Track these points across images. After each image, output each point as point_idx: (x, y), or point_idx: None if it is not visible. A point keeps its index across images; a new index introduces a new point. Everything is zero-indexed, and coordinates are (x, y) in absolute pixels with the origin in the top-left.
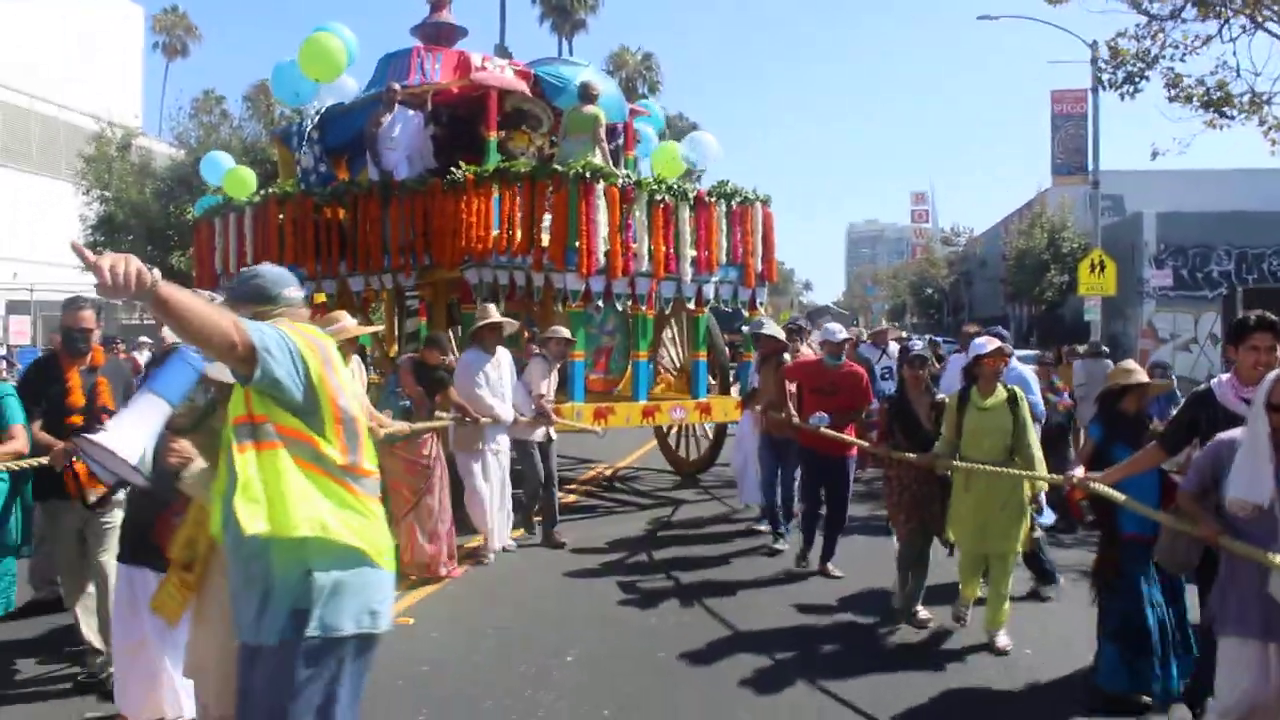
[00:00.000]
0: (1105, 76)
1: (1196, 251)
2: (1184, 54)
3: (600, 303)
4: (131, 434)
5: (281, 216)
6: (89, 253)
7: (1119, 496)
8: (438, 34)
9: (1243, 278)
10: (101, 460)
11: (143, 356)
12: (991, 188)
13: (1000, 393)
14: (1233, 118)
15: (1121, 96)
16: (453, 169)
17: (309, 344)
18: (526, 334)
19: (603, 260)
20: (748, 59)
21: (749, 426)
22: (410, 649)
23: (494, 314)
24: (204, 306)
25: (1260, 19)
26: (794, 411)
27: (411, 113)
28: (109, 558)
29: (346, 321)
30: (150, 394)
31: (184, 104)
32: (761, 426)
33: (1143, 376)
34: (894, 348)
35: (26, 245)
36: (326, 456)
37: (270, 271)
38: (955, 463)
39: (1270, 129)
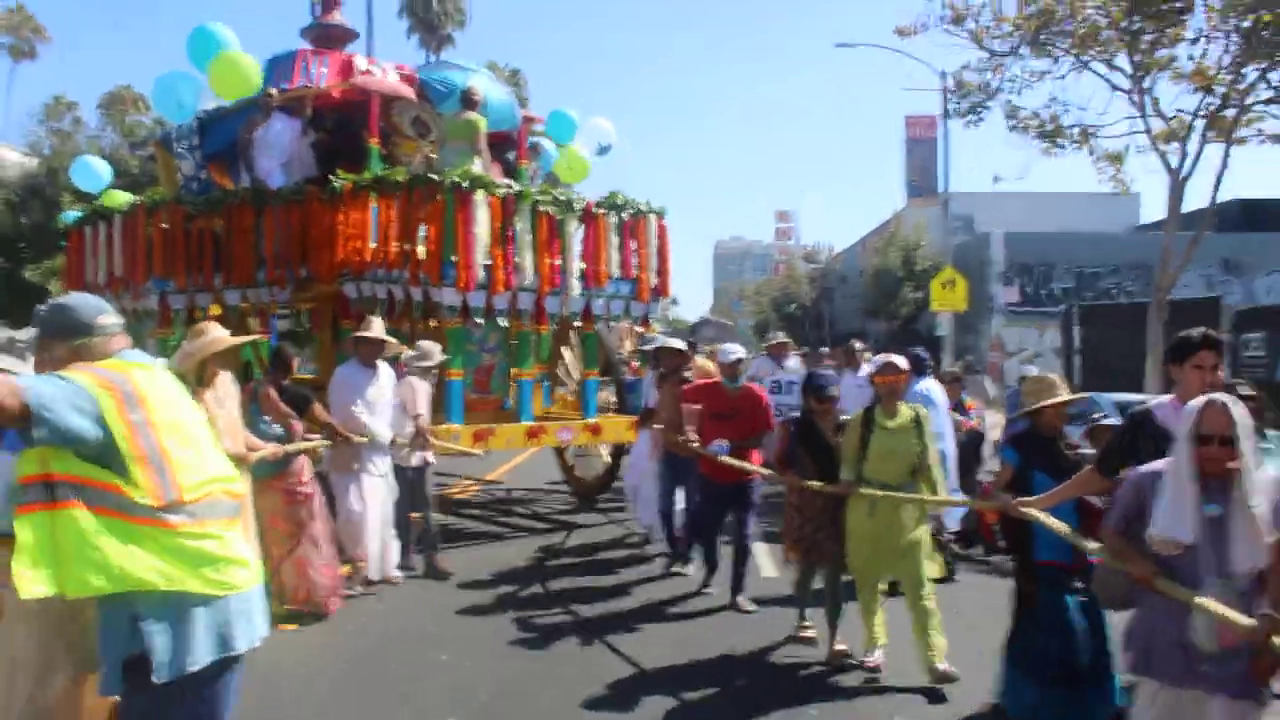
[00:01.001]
0: (951, 105)
1: (1041, 269)
2: (1020, 88)
3: (480, 319)
4: None
5: (150, 228)
6: None
7: (1061, 526)
8: (327, 36)
9: (1080, 294)
10: None
11: None
12: (853, 207)
13: (905, 413)
14: (1064, 147)
15: (966, 125)
16: (330, 177)
17: (103, 382)
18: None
19: (482, 274)
20: (616, 74)
21: (645, 446)
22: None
23: (377, 327)
24: None
25: (1086, 58)
26: (693, 435)
27: (289, 118)
28: None
29: (216, 332)
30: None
31: (34, 109)
32: (660, 447)
33: (1065, 392)
34: (794, 362)
35: None
36: (134, 501)
37: (80, 301)
38: (874, 491)
39: (1098, 159)
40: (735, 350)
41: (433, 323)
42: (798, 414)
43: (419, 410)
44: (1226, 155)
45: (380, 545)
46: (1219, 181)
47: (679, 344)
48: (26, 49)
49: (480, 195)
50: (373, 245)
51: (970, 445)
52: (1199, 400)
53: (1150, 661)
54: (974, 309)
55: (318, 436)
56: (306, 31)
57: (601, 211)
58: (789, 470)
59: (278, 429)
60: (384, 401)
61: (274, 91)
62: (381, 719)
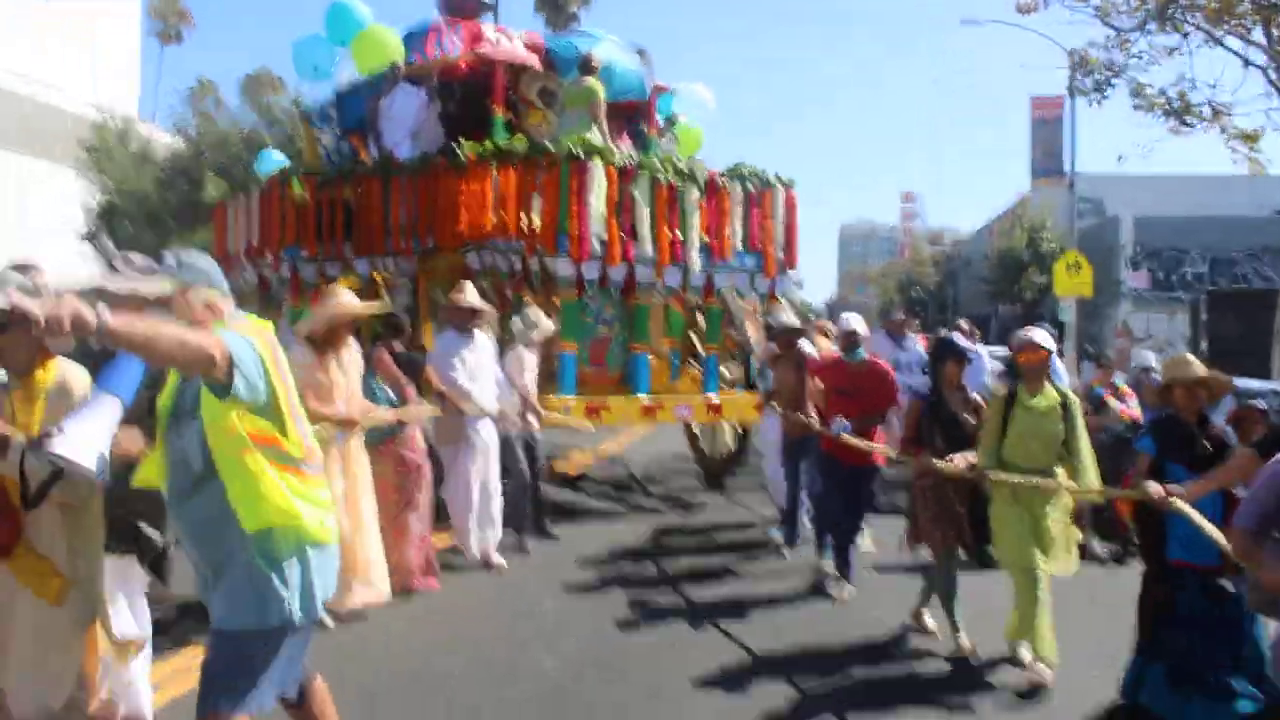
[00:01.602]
0: (1076, 84)
1: (1171, 254)
2: (1147, 64)
3: (595, 291)
4: (91, 439)
5: (284, 198)
6: (30, 306)
7: (1210, 529)
8: (461, 7)
9: (1214, 280)
10: (64, 467)
11: None
12: (981, 188)
13: (1051, 393)
14: (1193, 126)
15: (1089, 103)
16: (455, 147)
17: (263, 341)
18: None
19: (598, 246)
20: (742, 54)
21: (773, 427)
22: (374, 671)
23: (471, 294)
24: (169, 331)
25: (1219, 34)
26: (813, 414)
27: (415, 89)
28: None
29: (345, 298)
30: (105, 393)
31: (180, 91)
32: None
33: (1201, 370)
34: (912, 340)
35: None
36: (289, 453)
37: (206, 259)
38: (1008, 476)
39: (1230, 137)
40: (852, 319)
41: (554, 296)
42: (927, 390)
43: (522, 380)
44: None
45: (480, 521)
46: None
47: (791, 319)
48: (174, 33)
49: (596, 164)
50: (492, 215)
51: (1122, 438)
52: None
53: None
54: (1101, 294)
55: (428, 403)
56: (441, 2)
57: (725, 182)
58: (919, 449)
59: (391, 394)
60: (486, 370)
61: (400, 63)
62: (486, 678)
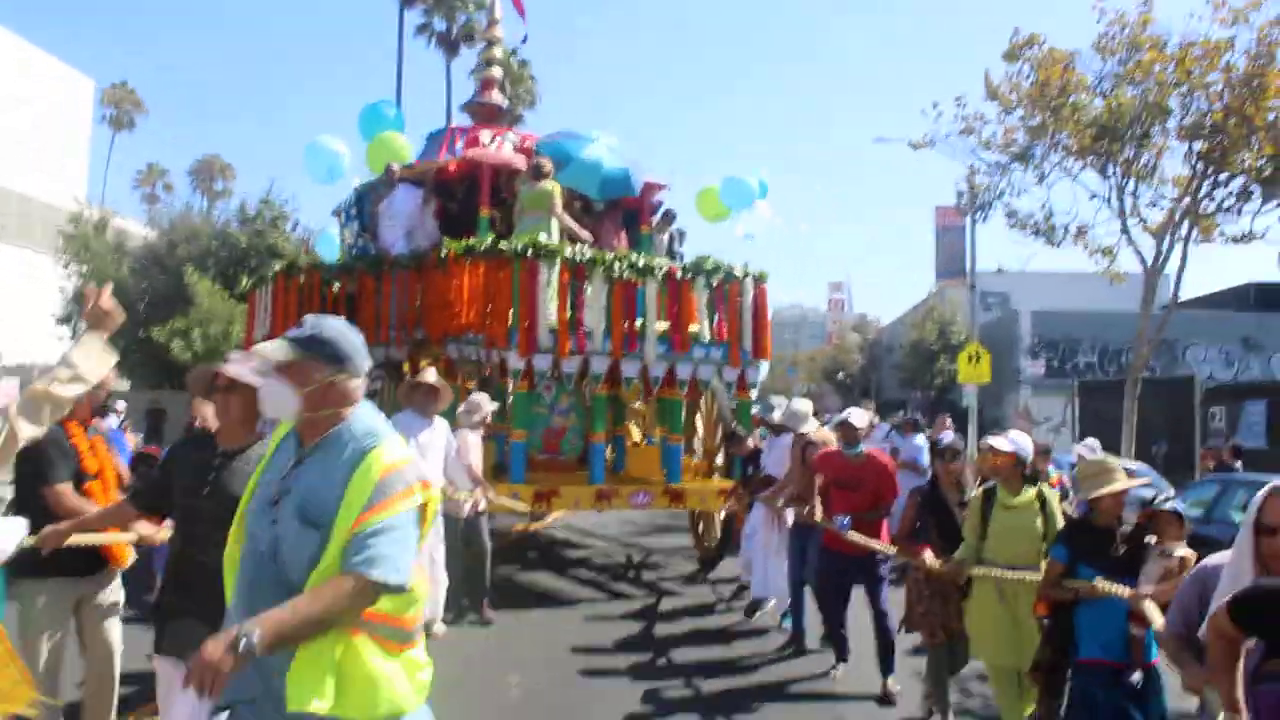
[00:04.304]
0: (960, 205)
1: (1066, 345)
2: (1018, 192)
3: (547, 382)
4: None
5: (289, 291)
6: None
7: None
8: (483, 112)
9: (1105, 369)
10: None
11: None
12: (901, 280)
13: (1028, 491)
14: (1058, 244)
15: (974, 222)
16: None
17: (417, 501)
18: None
19: (548, 339)
20: (679, 146)
21: (761, 518)
22: None
23: (430, 376)
24: (319, 608)
25: (1074, 171)
26: (818, 506)
27: (414, 190)
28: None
29: (485, 403)
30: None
31: (130, 177)
32: (775, 517)
33: (1122, 477)
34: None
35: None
36: (403, 629)
37: (353, 331)
38: (987, 570)
39: (1091, 253)
40: (853, 413)
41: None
42: (925, 482)
43: (469, 459)
44: (1185, 255)
45: (433, 592)
46: (1179, 279)
47: (805, 410)
48: (126, 120)
49: (546, 262)
50: (465, 311)
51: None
52: (1265, 489)
53: None
54: (1002, 381)
55: None
56: (466, 107)
57: (686, 276)
58: (913, 542)
59: None
60: (435, 449)
61: (395, 166)
62: None
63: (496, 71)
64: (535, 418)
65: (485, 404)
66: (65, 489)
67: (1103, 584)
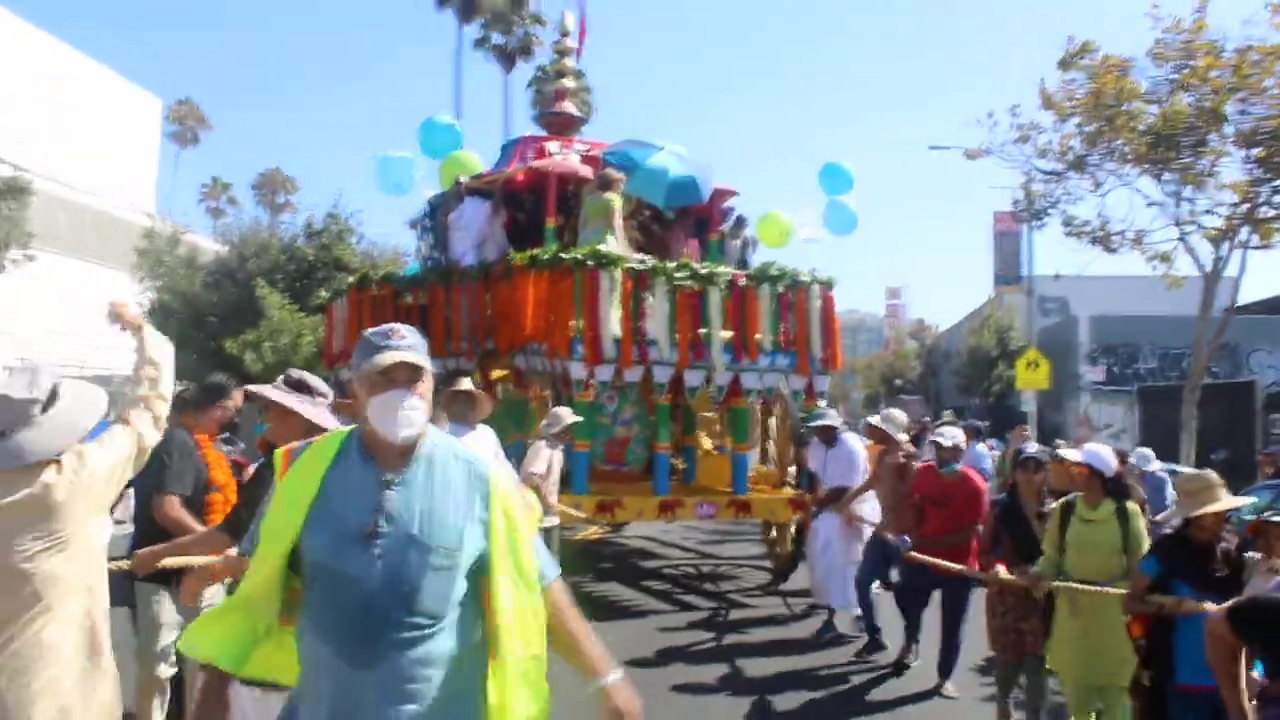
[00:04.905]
0: (1017, 213)
1: (1125, 350)
2: (1074, 200)
3: (608, 392)
4: None
5: (362, 303)
6: None
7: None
8: (556, 122)
9: (1166, 374)
10: None
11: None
12: (960, 285)
13: (1107, 504)
14: (1116, 250)
15: (1030, 229)
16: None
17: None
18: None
19: (611, 349)
20: (745, 152)
21: (833, 527)
22: None
23: (466, 383)
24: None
25: (1130, 180)
26: (891, 525)
27: (483, 202)
28: None
29: (566, 415)
30: None
31: (195, 191)
32: (850, 526)
33: (1225, 495)
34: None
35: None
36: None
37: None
38: (1063, 583)
39: (1149, 259)
40: (951, 435)
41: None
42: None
43: (531, 470)
44: (1244, 260)
45: None
46: (1237, 283)
47: (875, 419)
48: (190, 135)
49: (607, 272)
50: (530, 321)
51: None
52: None
53: None
54: (1061, 387)
55: None
56: (540, 118)
57: (750, 284)
58: (991, 559)
59: None
60: None
61: (464, 179)
62: None
63: (569, 82)
64: (598, 428)
65: (566, 416)
66: (174, 500)
67: (1189, 601)
